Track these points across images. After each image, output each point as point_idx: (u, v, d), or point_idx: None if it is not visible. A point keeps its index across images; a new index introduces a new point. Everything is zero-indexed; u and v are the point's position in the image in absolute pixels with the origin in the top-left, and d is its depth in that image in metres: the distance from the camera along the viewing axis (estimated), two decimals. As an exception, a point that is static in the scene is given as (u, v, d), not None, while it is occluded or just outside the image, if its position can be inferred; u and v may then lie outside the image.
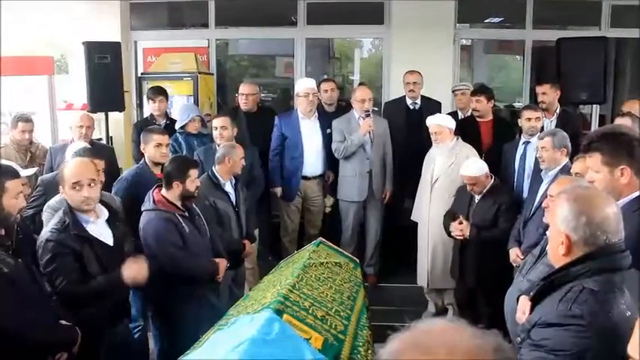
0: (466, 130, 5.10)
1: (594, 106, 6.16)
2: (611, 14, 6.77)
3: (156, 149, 4.18)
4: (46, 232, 2.97)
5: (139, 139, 4.66)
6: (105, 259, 3.00)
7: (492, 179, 4.39)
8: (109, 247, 3.07)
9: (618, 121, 4.56)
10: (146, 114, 6.23)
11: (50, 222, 3.07)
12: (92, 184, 3.03)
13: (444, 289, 4.91)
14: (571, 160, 3.91)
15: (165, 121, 5.56)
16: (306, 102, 5.37)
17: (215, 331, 2.51)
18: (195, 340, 2.55)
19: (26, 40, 6.52)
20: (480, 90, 5.50)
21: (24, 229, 3.05)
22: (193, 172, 3.62)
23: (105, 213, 3.16)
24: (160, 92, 5.68)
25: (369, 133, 5.21)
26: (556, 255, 1.94)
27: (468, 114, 5.62)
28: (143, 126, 5.12)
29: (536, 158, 4.41)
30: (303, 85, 5.47)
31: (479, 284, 4.37)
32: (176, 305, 3.54)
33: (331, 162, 5.51)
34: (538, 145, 4.19)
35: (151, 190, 3.64)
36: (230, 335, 2.24)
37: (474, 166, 4.33)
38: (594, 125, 6.19)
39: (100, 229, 3.09)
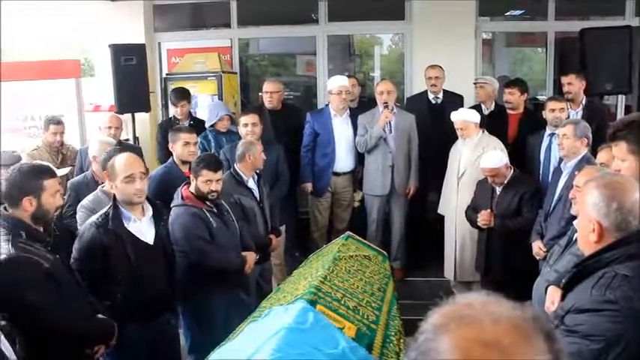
0: (495, 121, 5.09)
1: (620, 96, 6.09)
2: (636, 3, 6.67)
3: (183, 148, 4.26)
4: (87, 223, 3.05)
5: (164, 139, 4.72)
6: (139, 259, 3.05)
7: (512, 170, 4.40)
8: (147, 246, 3.13)
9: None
10: (171, 114, 6.33)
11: (96, 214, 3.14)
12: (142, 177, 3.13)
13: (471, 282, 4.92)
14: (594, 151, 3.89)
15: (189, 121, 5.63)
16: (338, 99, 5.40)
17: (248, 323, 2.57)
18: (226, 334, 2.60)
19: (53, 44, 6.66)
20: (514, 82, 5.51)
21: (60, 227, 3.13)
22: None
23: (150, 211, 3.23)
24: (182, 97, 5.72)
25: (388, 124, 5.21)
26: (587, 243, 1.95)
27: (492, 107, 5.60)
28: (167, 126, 5.20)
29: (561, 150, 4.39)
30: (337, 82, 5.48)
31: (506, 276, 4.36)
32: (205, 300, 3.61)
33: (361, 158, 5.55)
34: (559, 132, 4.17)
35: (180, 187, 3.71)
36: (265, 326, 2.29)
37: (494, 158, 4.34)
38: (620, 116, 6.13)
39: (142, 227, 3.15)
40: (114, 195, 3.12)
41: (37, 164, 3.00)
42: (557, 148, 4.30)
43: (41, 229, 2.72)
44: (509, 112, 5.39)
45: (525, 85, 5.49)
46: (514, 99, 5.34)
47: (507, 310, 0.93)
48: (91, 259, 2.95)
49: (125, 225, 3.07)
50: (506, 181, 4.37)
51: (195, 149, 4.32)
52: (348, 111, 5.51)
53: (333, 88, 5.44)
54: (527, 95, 5.53)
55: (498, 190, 4.41)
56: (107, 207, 3.10)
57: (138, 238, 3.10)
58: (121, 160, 3.14)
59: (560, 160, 4.37)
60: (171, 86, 6.59)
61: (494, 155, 4.38)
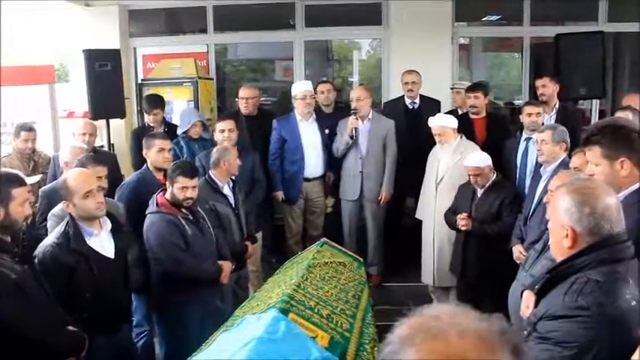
0: (461, 127, 5.09)
1: (594, 101, 6.16)
2: (608, 9, 6.77)
3: (158, 154, 4.19)
4: (45, 244, 2.96)
5: (137, 146, 4.63)
6: (102, 274, 2.99)
7: (495, 174, 4.41)
8: (108, 261, 3.08)
9: (618, 114, 4.56)
10: (146, 120, 6.27)
11: (52, 233, 3.08)
12: (99, 190, 3.08)
13: (449, 287, 4.91)
14: (569, 155, 3.91)
15: (163, 128, 5.56)
16: (303, 104, 5.40)
17: (221, 332, 2.53)
18: (201, 343, 2.57)
19: (26, 49, 6.55)
20: (477, 86, 5.51)
21: (30, 237, 3.05)
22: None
23: (108, 224, 3.17)
24: (154, 105, 5.64)
25: (354, 130, 5.23)
26: (560, 248, 1.94)
27: (464, 112, 5.61)
28: (140, 133, 5.13)
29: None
30: (300, 88, 5.51)
31: (481, 280, 4.36)
32: (180, 309, 3.56)
33: (331, 162, 5.54)
34: (537, 138, 4.18)
35: (156, 194, 3.66)
36: (237, 335, 2.25)
37: (478, 157, 4.37)
38: (594, 120, 6.19)
39: (102, 241, 3.10)
40: (69, 213, 3.03)
41: (6, 172, 2.91)
42: (536, 152, 4.31)
43: (8, 239, 2.65)
44: (473, 116, 5.37)
45: (487, 88, 5.52)
46: (479, 102, 5.33)
47: (474, 323, 0.91)
48: (55, 279, 2.87)
49: (87, 241, 3.00)
50: (488, 185, 4.38)
51: (169, 156, 4.26)
52: (314, 115, 5.51)
53: (298, 93, 5.45)
54: (489, 99, 5.54)
55: (479, 193, 4.42)
56: (64, 225, 3.02)
57: (100, 253, 3.04)
58: (76, 177, 3.06)
59: (537, 164, 4.39)
60: (147, 92, 6.52)
61: (479, 155, 4.41)
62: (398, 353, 0.89)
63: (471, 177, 4.40)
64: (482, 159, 4.36)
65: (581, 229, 1.86)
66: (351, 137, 5.25)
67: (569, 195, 1.89)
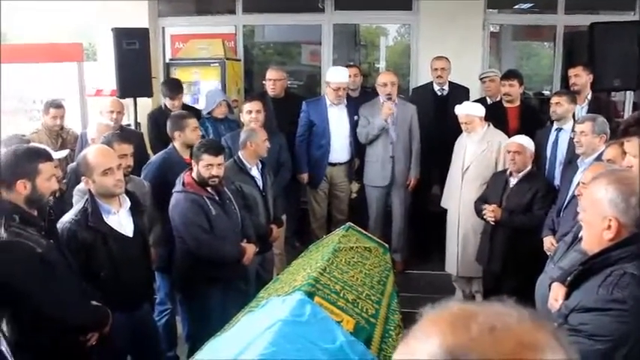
0: (493, 116, 5.01)
1: (627, 92, 6.01)
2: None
3: (193, 132, 4.22)
4: (64, 221, 2.97)
5: (155, 129, 4.56)
6: (121, 252, 3.00)
7: (532, 165, 4.35)
8: (127, 239, 3.08)
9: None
10: (163, 103, 6.29)
11: (72, 209, 3.09)
12: (119, 168, 3.08)
13: (472, 277, 4.87)
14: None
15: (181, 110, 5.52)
16: (335, 95, 5.34)
17: (245, 313, 2.53)
18: (223, 324, 2.56)
19: (55, 27, 6.59)
20: (512, 74, 5.40)
21: (56, 212, 3.08)
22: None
23: (127, 202, 3.17)
24: (177, 90, 5.55)
25: (389, 117, 5.17)
26: (599, 240, 1.88)
27: (496, 100, 5.52)
28: (158, 115, 5.10)
29: (568, 146, 4.33)
30: (336, 77, 5.36)
31: (505, 270, 4.32)
32: (203, 288, 3.57)
33: (358, 148, 5.49)
34: (576, 129, 4.07)
35: (183, 173, 3.67)
36: (261, 317, 2.24)
37: (524, 138, 4.35)
38: (627, 112, 6.05)
39: (120, 219, 3.10)
40: (89, 190, 3.04)
41: (34, 147, 2.93)
42: (571, 144, 4.22)
43: (35, 213, 2.66)
44: (507, 105, 5.28)
45: (522, 76, 5.41)
46: (514, 91, 5.23)
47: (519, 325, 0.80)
48: (73, 256, 2.87)
49: (105, 219, 3.01)
50: (522, 175, 4.32)
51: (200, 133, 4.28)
52: (344, 102, 5.44)
53: (332, 82, 5.35)
54: (523, 87, 5.44)
55: (512, 183, 4.36)
56: (84, 202, 3.03)
57: (118, 231, 3.04)
58: (96, 154, 3.06)
59: (568, 155, 4.31)
60: (175, 72, 6.52)
61: (524, 137, 4.39)
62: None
63: (509, 157, 4.33)
64: (527, 140, 4.33)
65: (626, 219, 1.80)
66: (388, 122, 5.18)
67: (613, 185, 1.83)
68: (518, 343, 0.76)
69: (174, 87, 5.62)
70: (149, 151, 5.16)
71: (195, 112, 5.17)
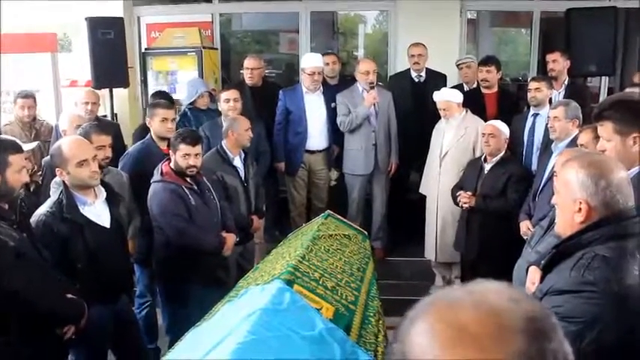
0: (471, 102, 5.04)
1: (603, 78, 6.08)
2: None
3: (161, 124, 4.14)
4: (39, 213, 2.94)
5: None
6: (98, 243, 2.98)
7: (506, 151, 4.39)
8: (104, 230, 3.06)
9: (628, 91, 4.51)
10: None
11: (47, 202, 3.06)
12: (94, 160, 3.05)
13: (451, 263, 4.92)
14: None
15: None
16: (310, 80, 5.32)
17: (225, 303, 2.52)
18: (203, 315, 2.56)
19: (29, 17, 6.45)
20: (490, 60, 5.42)
21: (28, 204, 3.04)
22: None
23: (103, 193, 3.14)
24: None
25: (374, 105, 5.18)
26: (571, 223, 1.90)
27: (474, 86, 5.55)
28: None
29: (545, 131, 4.38)
30: (310, 62, 5.38)
31: (481, 256, 4.37)
32: (183, 280, 3.56)
33: (336, 135, 5.49)
34: (550, 114, 4.15)
35: (161, 163, 3.64)
36: (241, 306, 2.24)
37: (499, 122, 4.43)
38: (602, 97, 6.12)
39: (97, 210, 3.08)
40: (63, 181, 3.01)
41: (3, 139, 2.90)
42: (547, 129, 4.26)
43: (6, 207, 2.63)
44: (485, 91, 5.31)
45: (499, 62, 5.44)
46: (491, 77, 5.26)
47: (501, 302, 0.81)
48: (49, 248, 2.85)
49: (81, 210, 2.98)
50: (496, 160, 4.37)
51: (172, 126, 4.20)
52: (321, 88, 5.43)
53: (307, 67, 5.35)
54: (501, 73, 5.48)
55: (487, 168, 4.41)
56: (57, 194, 3.00)
57: (95, 222, 3.02)
58: (71, 144, 3.03)
59: (544, 140, 4.35)
60: (151, 61, 6.45)
61: (500, 121, 4.48)
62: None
63: (484, 140, 4.36)
64: (502, 124, 4.39)
65: (596, 202, 1.82)
66: (371, 111, 5.20)
67: (583, 169, 1.85)
68: None
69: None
70: (126, 144, 5.10)
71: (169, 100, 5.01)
